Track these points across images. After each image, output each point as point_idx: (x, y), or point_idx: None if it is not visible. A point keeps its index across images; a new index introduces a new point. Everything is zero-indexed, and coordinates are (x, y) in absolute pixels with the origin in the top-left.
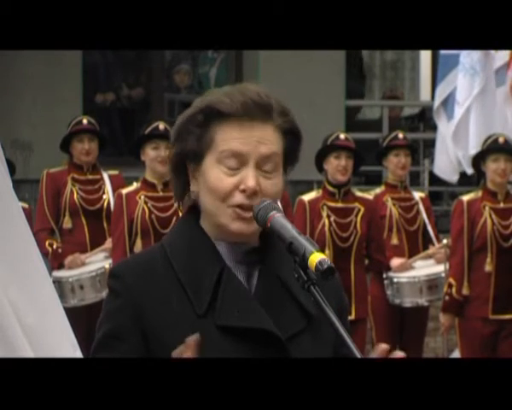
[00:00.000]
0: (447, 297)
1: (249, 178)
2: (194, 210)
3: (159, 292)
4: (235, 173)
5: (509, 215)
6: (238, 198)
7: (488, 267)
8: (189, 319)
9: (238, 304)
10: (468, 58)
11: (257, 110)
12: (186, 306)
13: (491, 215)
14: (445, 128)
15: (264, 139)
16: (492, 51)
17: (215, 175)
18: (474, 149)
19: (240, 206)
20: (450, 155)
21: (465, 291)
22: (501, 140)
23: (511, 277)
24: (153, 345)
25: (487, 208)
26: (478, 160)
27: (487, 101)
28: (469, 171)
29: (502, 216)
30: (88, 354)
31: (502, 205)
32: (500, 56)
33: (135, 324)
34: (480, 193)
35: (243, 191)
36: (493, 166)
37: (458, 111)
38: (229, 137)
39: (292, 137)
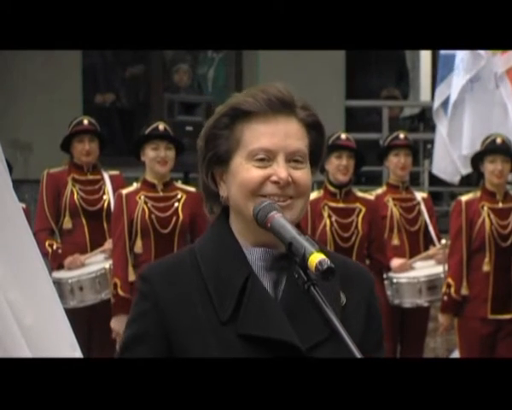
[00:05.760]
0: (446, 297)
1: (281, 169)
2: (225, 215)
3: (184, 297)
4: (265, 166)
5: (507, 215)
6: (270, 188)
7: (486, 267)
8: (213, 325)
9: (261, 313)
10: (457, 58)
11: (280, 105)
12: (210, 312)
13: (489, 215)
14: (444, 129)
15: (291, 133)
16: (481, 52)
17: (245, 170)
18: (466, 149)
19: (271, 195)
20: (453, 156)
21: (464, 291)
22: (498, 141)
23: (509, 276)
24: (175, 349)
25: (486, 208)
26: (476, 160)
27: (483, 102)
28: (464, 171)
29: (500, 216)
30: (88, 355)
31: (500, 205)
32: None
33: (158, 328)
34: (478, 193)
35: (275, 183)
36: (490, 167)
37: (449, 110)
38: (257, 134)
39: (315, 133)
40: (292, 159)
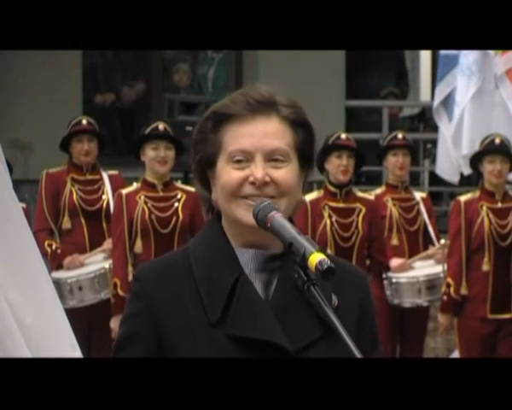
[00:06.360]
0: (445, 297)
1: (257, 170)
2: (218, 217)
3: (176, 298)
4: (243, 167)
5: (506, 215)
6: (247, 189)
7: (486, 267)
8: (202, 326)
9: (250, 314)
10: (465, 59)
11: (258, 106)
12: (200, 313)
13: (488, 215)
14: (446, 129)
15: (269, 132)
16: (491, 53)
17: (226, 172)
18: (466, 149)
19: (250, 196)
20: (452, 156)
21: (463, 291)
22: (497, 141)
23: (509, 276)
24: (165, 349)
25: (485, 208)
26: (475, 160)
27: (483, 102)
28: (466, 171)
29: (499, 216)
30: (88, 355)
31: (499, 205)
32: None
33: (150, 328)
34: (477, 193)
35: (252, 183)
36: (489, 168)
37: (457, 112)
38: (236, 136)
39: (302, 131)
40: (271, 158)
